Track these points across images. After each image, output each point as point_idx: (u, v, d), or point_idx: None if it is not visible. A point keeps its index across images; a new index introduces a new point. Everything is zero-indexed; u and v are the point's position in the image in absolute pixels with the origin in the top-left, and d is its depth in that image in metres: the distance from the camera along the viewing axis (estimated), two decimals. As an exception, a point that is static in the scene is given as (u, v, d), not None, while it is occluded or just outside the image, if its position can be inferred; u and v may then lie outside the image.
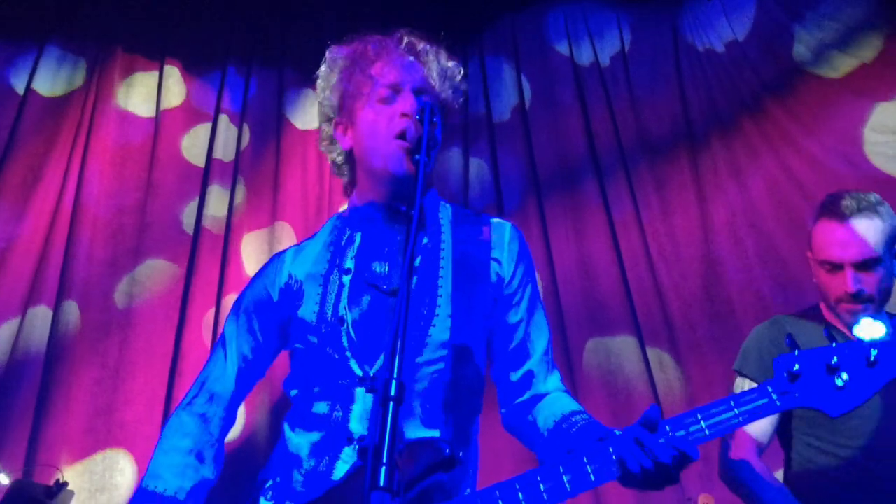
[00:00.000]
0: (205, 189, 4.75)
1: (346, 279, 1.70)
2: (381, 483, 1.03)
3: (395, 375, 1.13)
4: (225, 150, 4.88)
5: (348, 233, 1.80)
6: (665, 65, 4.87)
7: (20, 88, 4.83)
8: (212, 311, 4.42)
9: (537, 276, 1.89)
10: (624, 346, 4.36)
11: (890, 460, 2.16)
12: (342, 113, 1.81)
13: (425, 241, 1.73)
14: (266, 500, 1.63)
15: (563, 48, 5.07)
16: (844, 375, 1.36)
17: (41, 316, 4.33)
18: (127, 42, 5.02)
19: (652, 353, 4.30)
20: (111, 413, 4.17)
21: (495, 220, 1.83)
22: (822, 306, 2.43)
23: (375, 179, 1.76)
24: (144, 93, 4.95)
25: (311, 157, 4.88)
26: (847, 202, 2.28)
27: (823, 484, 2.23)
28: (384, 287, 1.67)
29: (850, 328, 2.31)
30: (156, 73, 4.98)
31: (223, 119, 4.94)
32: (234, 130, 4.93)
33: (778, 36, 4.52)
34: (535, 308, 1.79)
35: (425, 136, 1.47)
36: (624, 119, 4.81)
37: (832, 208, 2.30)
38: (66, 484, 3.71)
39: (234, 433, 4.05)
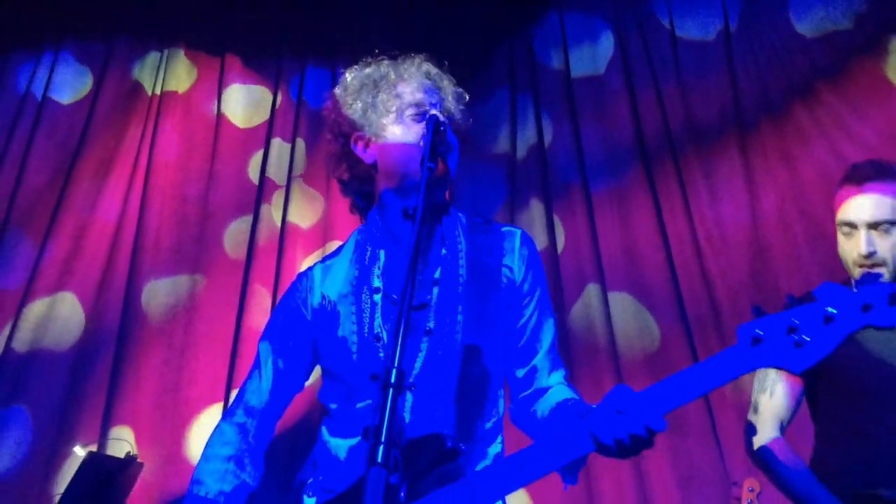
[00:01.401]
0: (263, 179, 4.96)
1: (378, 297, 1.82)
2: (379, 460, 1.16)
3: (395, 364, 1.25)
4: (281, 144, 5.10)
5: (370, 250, 1.90)
6: (715, 49, 4.83)
7: (91, 85, 5.14)
8: (269, 297, 4.64)
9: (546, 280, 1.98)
10: (670, 333, 4.40)
11: None
12: (365, 128, 1.89)
13: (444, 252, 1.85)
14: (308, 497, 1.78)
15: (611, 32, 5.09)
16: (804, 336, 1.44)
17: (113, 300, 4.63)
18: (190, 39, 5.29)
19: (698, 339, 4.32)
20: (177, 391, 4.45)
21: (506, 228, 1.95)
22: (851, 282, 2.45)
23: (404, 188, 1.84)
24: (206, 87, 5.20)
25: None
26: (866, 167, 2.34)
27: (847, 460, 2.26)
28: (412, 303, 1.78)
29: None
30: (217, 68, 5.22)
31: (280, 110, 5.16)
32: (290, 121, 5.14)
33: (828, 17, 4.44)
34: (543, 309, 1.90)
35: (427, 145, 1.58)
36: (672, 105, 4.80)
37: (852, 174, 2.36)
38: (136, 457, 3.96)
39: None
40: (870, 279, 1.46)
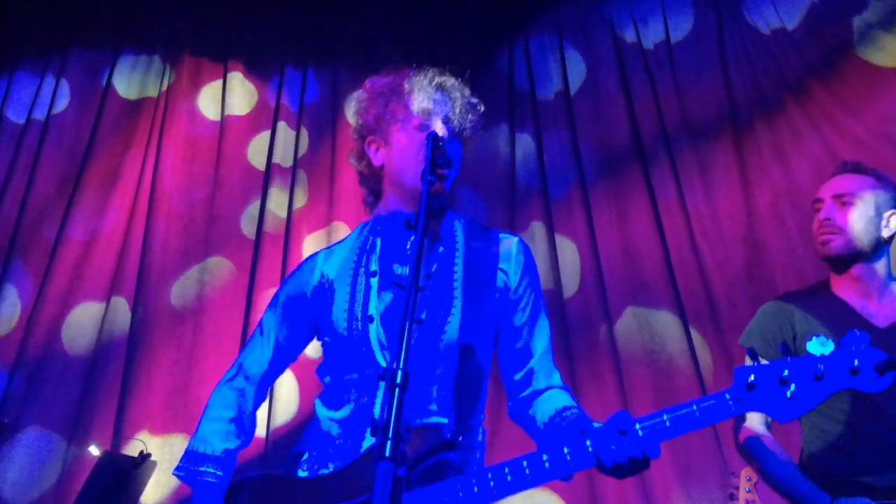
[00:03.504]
0: (267, 182, 5.08)
1: (374, 280, 1.93)
2: (387, 454, 1.27)
3: (401, 366, 1.36)
4: (285, 144, 5.20)
5: (371, 239, 2.03)
6: (709, 47, 4.91)
7: (99, 93, 5.25)
8: (275, 296, 4.74)
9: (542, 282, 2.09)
10: (667, 326, 4.50)
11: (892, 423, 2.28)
12: (377, 133, 2.02)
13: (441, 249, 1.97)
14: (302, 471, 1.90)
15: (606, 34, 5.17)
16: (793, 387, 1.52)
17: (123, 302, 4.75)
18: (193, 46, 5.39)
19: (695, 332, 4.42)
20: (187, 391, 4.55)
21: (503, 234, 2.06)
22: (831, 277, 2.56)
23: (403, 193, 1.98)
24: (210, 92, 5.31)
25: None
26: (844, 164, 2.58)
27: (835, 451, 2.37)
28: (405, 284, 1.90)
29: (831, 266, 2.51)
30: (220, 74, 5.33)
31: (282, 115, 5.25)
32: (292, 125, 5.24)
33: (822, 15, 4.52)
34: (538, 313, 2.00)
35: (428, 161, 1.69)
36: (668, 103, 4.89)
37: (834, 171, 2.60)
38: (149, 455, 4.05)
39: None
40: (855, 340, 1.55)
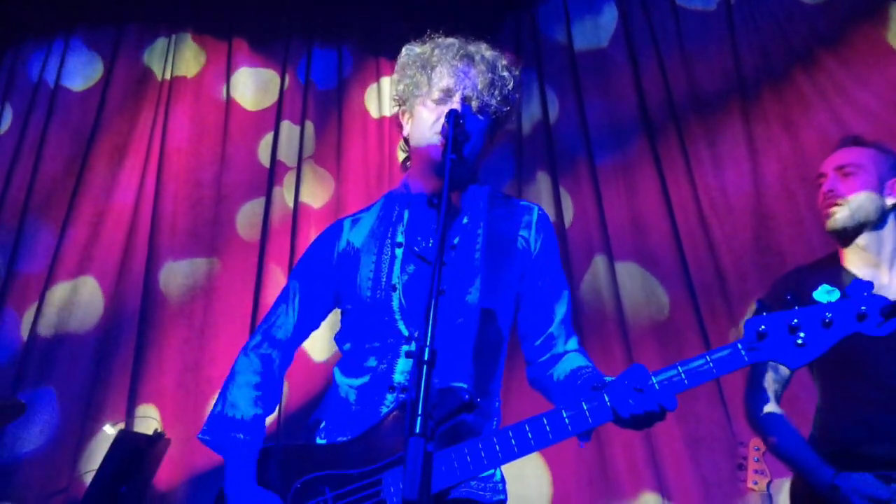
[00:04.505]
0: (273, 162, 5.06)
1: (399, 251, 1.97)
2: (417, 430, 1.29)
3: (428, 344, 1.37)
4: (290, 127, 5.17)
5: (397, 209, 2.06)
6: (717, 17, 4.87)
7: (102, 72, 5.24)
8: (284, 275, 4.75)
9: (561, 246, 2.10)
10: (677, 300, 4.51)
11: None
12: (405, 105, 2.07)
13: (465, 220, 2.00)
14: (321, 438, 1.94)
15: (612, 6, 5.14)
16: (803, 334, 1.56)
17: (133, 282, 4.75)
18: (197, 23, 5.36)
19: (703, 304, 4.43)
20: (199, 369, 4.58)
21: (525, 203, 2.10)
22: (839, 250, 2.58)
23: (421, 166, 2.02)
24: (215, 71, 5.28)
25: (371, 126, 5.16)
26: (845, 139, 2.64)
27: (846, 423, 2.40)
28: (429, 258, 1.93)
29: (838, 238, 2.54)
30: (224, 53, 5.30)
31: (289, 92, 5.23)
32: (299, 103, 5.21)
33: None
34: (557, 281, 2.04)
35: (450, 139, 1.69)
36: (675, 75, 4.86)
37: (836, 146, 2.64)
38: (163, 433, 4.10)
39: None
40: (861, 286, 1.58)
